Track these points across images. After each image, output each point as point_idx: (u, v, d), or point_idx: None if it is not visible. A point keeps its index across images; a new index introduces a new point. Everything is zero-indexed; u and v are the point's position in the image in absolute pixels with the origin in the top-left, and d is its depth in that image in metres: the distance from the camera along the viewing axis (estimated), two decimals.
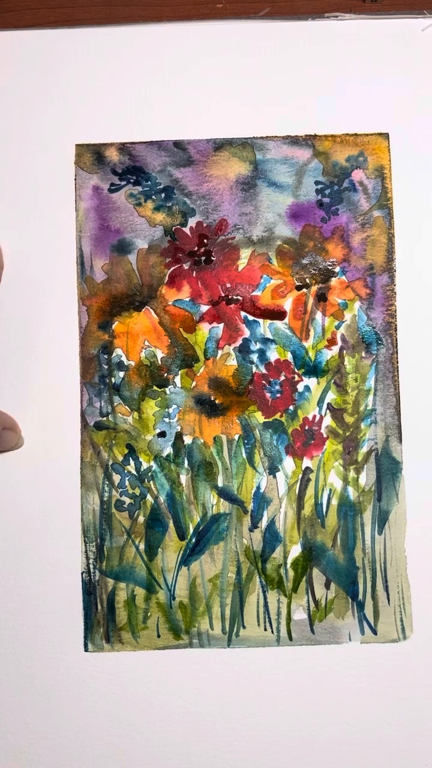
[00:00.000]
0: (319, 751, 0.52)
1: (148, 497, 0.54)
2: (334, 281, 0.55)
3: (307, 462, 0.54)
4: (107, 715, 0.53)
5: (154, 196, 0.55)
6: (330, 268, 0.55)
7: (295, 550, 0.54)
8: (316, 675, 0.53)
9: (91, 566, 0.54)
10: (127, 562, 0.54)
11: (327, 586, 0.53)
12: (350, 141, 0.55)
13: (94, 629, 0.53)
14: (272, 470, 0.54)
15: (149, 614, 0.54)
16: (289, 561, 0.54)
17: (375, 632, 0.53)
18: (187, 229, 0.55)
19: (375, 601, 0.53)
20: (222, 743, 0.52)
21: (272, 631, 0.53)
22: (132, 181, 0.55)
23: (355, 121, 0.55)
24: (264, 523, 0.54)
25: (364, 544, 0.54)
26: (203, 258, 0.55)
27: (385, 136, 0.55)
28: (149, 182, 0.55)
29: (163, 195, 0.55)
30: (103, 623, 0.53)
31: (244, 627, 0.53)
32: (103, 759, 0.52)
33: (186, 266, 0.55)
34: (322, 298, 0.55)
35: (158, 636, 0.53)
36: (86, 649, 0.53)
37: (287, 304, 0.55)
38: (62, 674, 0.53)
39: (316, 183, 0.55)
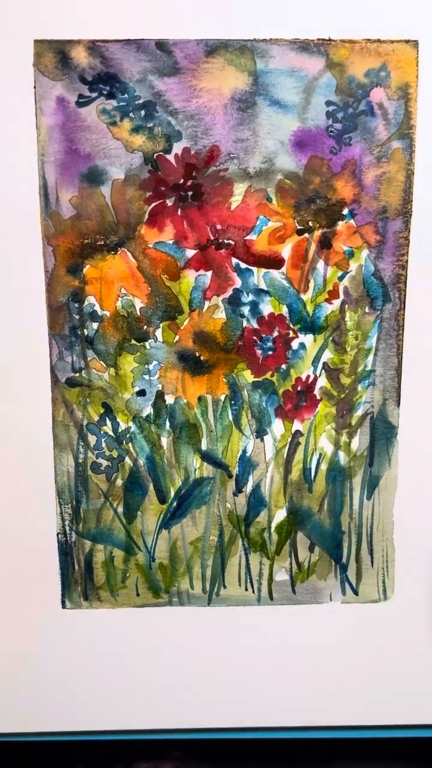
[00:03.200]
0: (298, 704, 0.54)
1: (127, 460, 0.50)
2: (340, 225, 0.47)
3: (297, 425, 0.50)
4: (86, 670, 0.53)
5: (131, 114, 0.45)
6: (337, 209, 0.47)
7: (280, 515, 0.51)
8: (297, 633, 0.53)
9: (67, 527, 0.51)
10: (104, 525, 0.51)
11: (311, 549, 0.52)
12: (371, 50, 0.45)
13: (72, 588, 0.52)
14: (260, 433, 0.50)
15: (128, 575, 0.52)
16: (274, 525, 0.51)
17: (356, 593, 0.53)
18: (171, 157, 0.46)
19: (359, 563, 0.52)
20: (201, 697, 0.53)
21: (253, 591, 0.52)
22: (105, 92, 0.45)
23: (378, 25, 0.44)
24: (249, 487, 0.51)
25: (351, 509, 0.51)
26: (190, 193, 0.47)
27: (414, 44, 0.45)
28: (126, 95, 0.45)
29: (142, 112, 0.45)
30: (80, 582, 0.52)
31: (224, 587, 0.52)
32: (83, 711, 0.53)
33: (169, 202, 0.47)
34: (325, 244, 0.48)
35: (137, 595, 0.52)
36: (64, 606, 0.52)
37: (285, 251, 0.48)
38: (40, 630, 0.52)
39: (328, 104, 0.46)
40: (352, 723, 0.53)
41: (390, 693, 0.53)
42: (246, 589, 0.52)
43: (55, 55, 0.45)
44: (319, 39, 0.45)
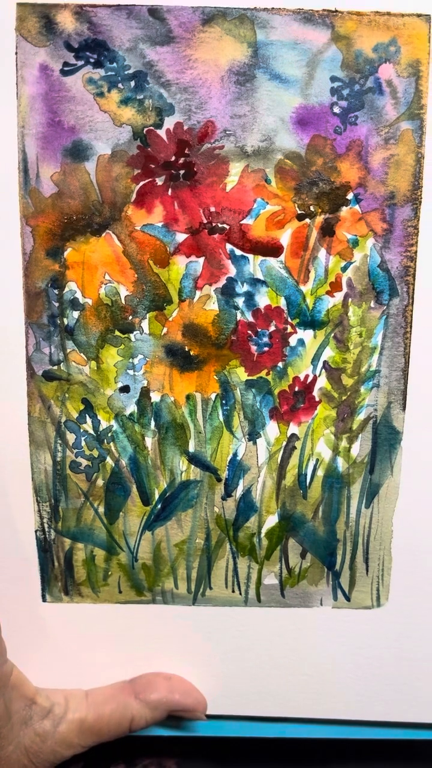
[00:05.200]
0: (286, 706, 0.51)
1: (108, 460, 0.47)
2: (344, 211, 0.44)
3: (293, 428, 0.47)
4: (66, 665, 0.50)
5: (120, 85, 0.42)
6: (341, 193, 0.43)
7: (272, 521, 0.48)
8: (284, 635, 0.50)
9: (46, 525, 0.48)
10: (85, 524, 0.48)
11: (303, 555, 0.49)
12: (381, 23, 0.41)
13: (52, 583, 0.49)
14: (252, 436, 0.47)
15: (110, 573, 0.49)
16: (264, 531, 0.48)
17: (348, 599, 0.50)
18: (162, 132, 0.42)
19: (352, 571, 0.49)
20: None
21: (240, 593, 0.50)
22: (92, 61, 0.41)
23: None
24: (239, 492, 0.48)
25: (348, 517, 0.48)
26: (182, 172, 0.43)
27: (426, 18, 0.41)
28: (115, 64, 0.41)
29: (132, 83, 0.42)
30: (61, 578, 0.49)
31: (210, 588, 0.50)
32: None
33: (159, 181, 0.43)
34: (328, 231, 0.44)
35: (120, 592, 0.49)
36: (44, 600, 0.49)
37: (284, 238, 0.44)
38: (20, 623, 0.49)
39: (333, 80, 0.42)
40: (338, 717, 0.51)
41: (376, 693, 0.50)
42: (233, 591, 0.49)
43: (39, 20, 0.41)
44: (324, 9, 0.41)
